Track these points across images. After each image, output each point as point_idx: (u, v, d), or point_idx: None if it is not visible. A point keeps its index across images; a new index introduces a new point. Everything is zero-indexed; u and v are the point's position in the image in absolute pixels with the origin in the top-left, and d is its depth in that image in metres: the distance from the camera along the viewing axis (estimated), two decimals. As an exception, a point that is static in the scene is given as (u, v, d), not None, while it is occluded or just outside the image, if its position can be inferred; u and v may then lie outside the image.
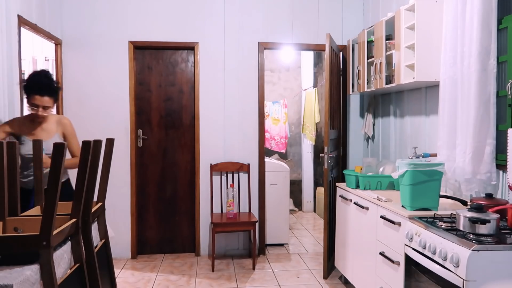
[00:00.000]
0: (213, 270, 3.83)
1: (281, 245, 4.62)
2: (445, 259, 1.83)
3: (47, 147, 2.52)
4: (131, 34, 4.11)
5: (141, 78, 4.23)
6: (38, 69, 2.72)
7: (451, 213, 2.13)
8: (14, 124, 2.68)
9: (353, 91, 4.08)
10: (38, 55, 4.69)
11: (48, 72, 2.70)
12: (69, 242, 1.89)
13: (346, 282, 3.44)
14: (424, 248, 2.01)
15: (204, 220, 4.25)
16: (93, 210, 2.17)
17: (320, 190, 5.95)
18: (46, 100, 2.59)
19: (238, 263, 4.06)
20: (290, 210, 6.02)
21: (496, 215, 1.86)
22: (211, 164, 4.20)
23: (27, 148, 2.54)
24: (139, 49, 4.19)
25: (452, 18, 2.60)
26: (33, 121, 2.70)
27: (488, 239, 1.79)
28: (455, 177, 2.59)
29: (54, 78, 2.68)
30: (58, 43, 3.97)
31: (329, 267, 3.70)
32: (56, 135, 2.78)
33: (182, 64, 4.28)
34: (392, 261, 2.45)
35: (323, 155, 3.64)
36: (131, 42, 4.11)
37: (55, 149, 1.60)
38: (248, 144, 4.29)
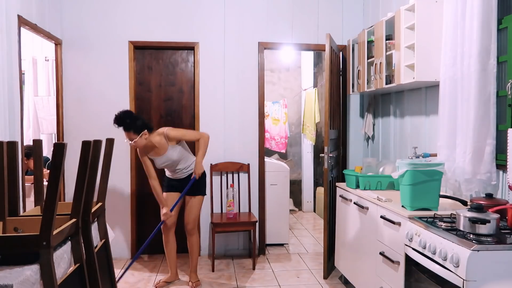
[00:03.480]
0: (213, 270, 3.84)
1: (281, 245, 4.62)
2: (445, 259, 1.83)
3: (167, 159, 3.30)
4: (131, 34, 4.11)
5: (141, 78, 4.23)
6: (123, 109, 3.28)
7: (451, 213, 2.13)
8: (145, 152, 3.33)
9: (353, 91, 4.07)
10: (38, 55, 4.70)
11: (126, 112, 3.21)
12: (69, 242, 1.89)
13: (346, 282, 3.44)
14: (424, 248, 2.02)
15: (204, 220, 4.24)
16: (93, 210, 2.17)
17: (320, 190, 5.95)
18: (127, 134, 3.18)
19: (238, 263, 4.06)
20: (290, 210, 6.02)
21: (496, 215, 1.86)
22: (211, 164, 4.20)
23: (158, 162, 3.35)
24: (139, 49, 4.19)
25: (452, 18, 2.60)
26: (147, 146, 3.28)
27: (488, 239, 1.79)
28: (455, 177, 2.59)
29: (130, 115, 3.20)
30: (58, 43, 3.97)
31: (329, 267, 3.70)
32: (169, 147, 3.29)
33: (182, 64, 4.28)
34: (392, 261, 2.45)
35: (323, 155, 3.64)
36: (131, 42, 4.11)
37: (56, 149, 1.60)
38: (248, 144, 4.28)
